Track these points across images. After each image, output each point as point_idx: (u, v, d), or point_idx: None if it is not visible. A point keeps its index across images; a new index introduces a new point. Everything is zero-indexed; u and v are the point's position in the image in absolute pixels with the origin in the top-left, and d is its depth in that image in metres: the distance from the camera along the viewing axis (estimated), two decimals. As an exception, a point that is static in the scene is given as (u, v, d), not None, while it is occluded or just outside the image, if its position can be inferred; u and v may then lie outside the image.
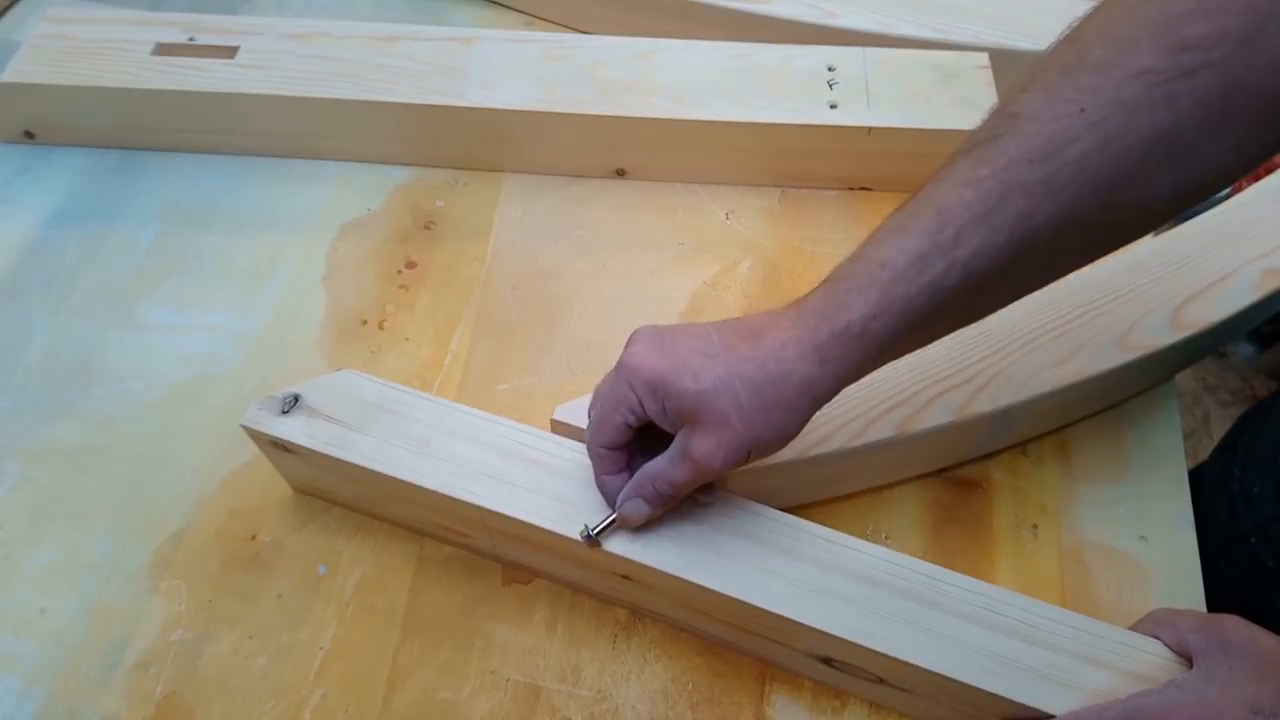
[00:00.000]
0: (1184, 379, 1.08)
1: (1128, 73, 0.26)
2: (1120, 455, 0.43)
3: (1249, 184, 0.47)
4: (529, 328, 0.47)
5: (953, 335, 0.34)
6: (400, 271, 0.50)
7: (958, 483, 0.42)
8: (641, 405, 0.31)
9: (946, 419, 0.38)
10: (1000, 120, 0.28)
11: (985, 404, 0.39)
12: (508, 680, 0.37)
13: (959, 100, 0.50)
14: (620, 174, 0.54)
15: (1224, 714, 0.29)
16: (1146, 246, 0.45)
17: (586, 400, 0.37)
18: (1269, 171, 0.48)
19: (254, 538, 0.40)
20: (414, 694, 0.37)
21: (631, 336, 0.32)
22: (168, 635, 0.38)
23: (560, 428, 0.38)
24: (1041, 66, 0.29)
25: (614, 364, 0.33)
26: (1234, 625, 0.32)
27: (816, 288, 0.30)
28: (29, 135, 0.55)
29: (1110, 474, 0.43)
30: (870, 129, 0.49)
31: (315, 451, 0.36)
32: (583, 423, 0.36)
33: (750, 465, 0.31)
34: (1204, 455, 0.51)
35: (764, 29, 0.56)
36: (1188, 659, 0.32)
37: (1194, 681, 0.30)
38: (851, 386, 0.31)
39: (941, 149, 0.55)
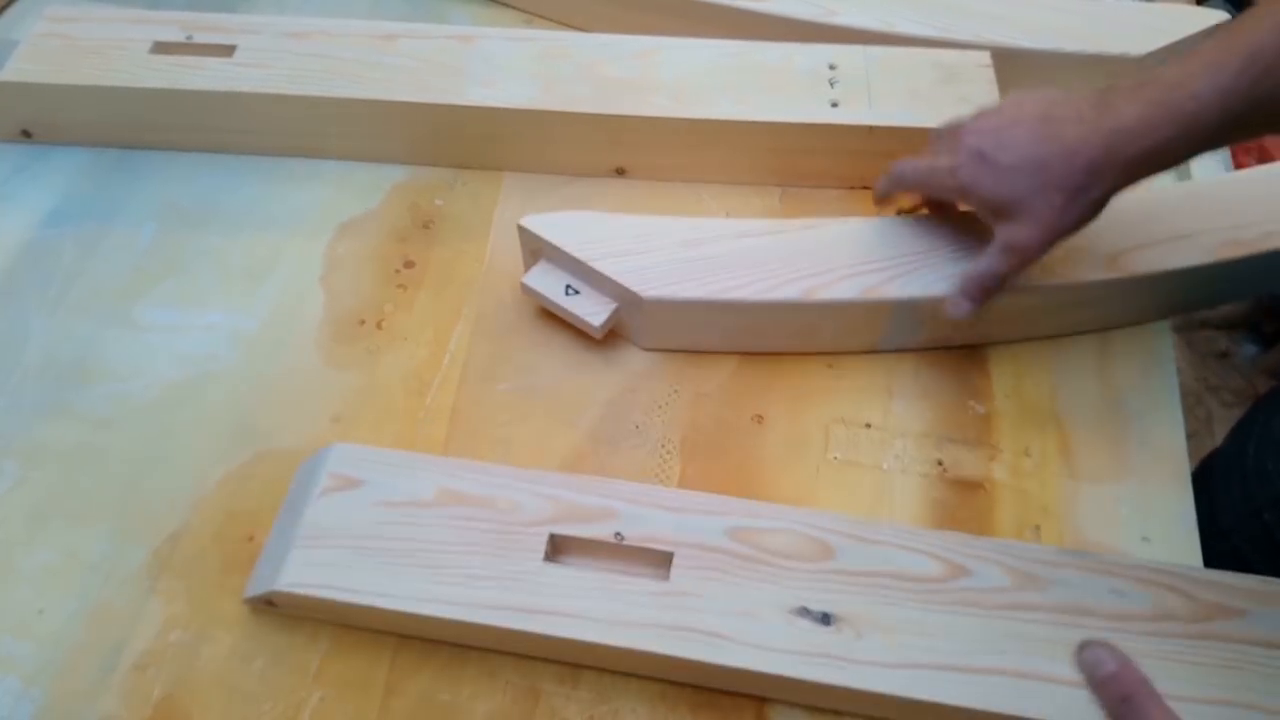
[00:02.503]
0: (1186, 379, 1.07)
1: None
2: (1122, 456, 0.43)
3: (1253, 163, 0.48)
4: (528, 327, 0.47)
5: (882, 231, 0.45)
6: (398, 271, 0.50)
7: (959, 483, 0.42)
8: (955, 193, 0.40)
9: (851, 295, 0.42)
10: None
11: (892, 291, 0.42)
12: (506, 683, 0.37)
13: (961, 99, 0.50)
14: (620, 173, 0.54)
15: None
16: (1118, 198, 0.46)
17: (548, 267, 0.44)
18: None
19: (252, 539, 0.40)
20: (412, 696, 0.36)
21: (969, 123, 0.39)
22: (166, 636, 0.38)
23: (527, 234, 0.43)
24: None
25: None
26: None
27: (1131, 94, 0.34)
28: (26, 134, 0.54)
29: (1112, 474, 0.43)
30: (872, 128, 0.49)
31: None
32: (550, 235, 0.44)
33: None
34: (1203, 458, 0.52)
35: (765, 27, 0.56)
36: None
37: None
38: (772, 254, 0.43)
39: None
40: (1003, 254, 0.38)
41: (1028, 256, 0.38)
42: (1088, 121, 0.35)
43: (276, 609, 0.37)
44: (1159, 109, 0.34)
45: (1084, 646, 0.33)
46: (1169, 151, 0.34)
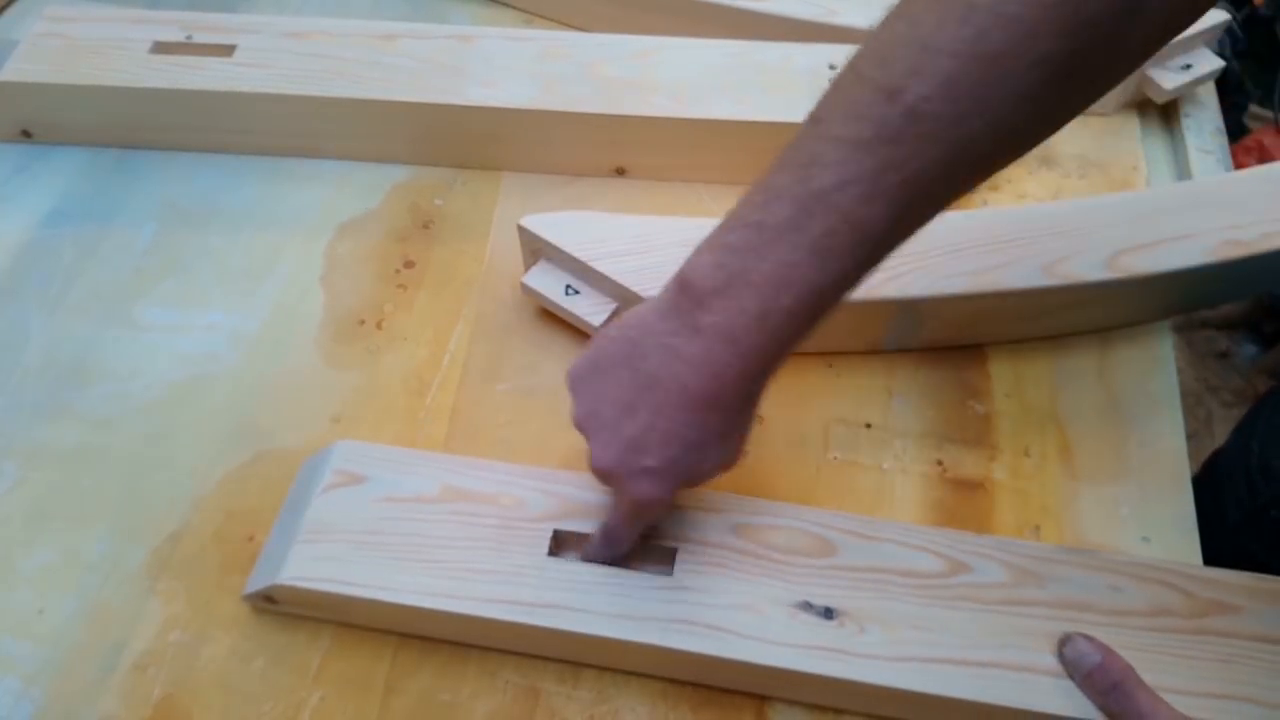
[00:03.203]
0: (1186, 380, 1.07)
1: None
2: (1122, 456, 0.43)
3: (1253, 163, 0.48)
4: (528, 327, 0.47)
5: None
6: (398, 271, 0.50)
7: (959, 483, 0.42)
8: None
9: (853, 296, 0.40)
10: (904, 121, 0.26)
11: (892, 290, 0.41)
12: (507, 682, 0.37)
13: (960, 99, 0.50)
14: (620, 173, 0.54)
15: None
16: (1114, 194, 0.47)
17: (548, 267, 0.44)
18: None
19: (252, 539, 0.40)
20: (412, 696, 0.36)
21: (595, 448, 0.31)
22: (165, 636, 0.38)
23: (527, 234, 0.43)
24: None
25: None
26: None
27: (733, 304, 0.28)
28: (26, 134, 0.54)
29: (1112, 475, 0.43)
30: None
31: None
32: (549, 234, 0.43)
33: None
34: (1207, 456, 0.52)
35: (764, 27, 0.56)
36: None
37: None
38: None
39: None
40: (623, 510, 0.33)
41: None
42: (703, 365, 0.29)
43: (276, 606, 0.37)
44: (782, 321, 0.28)
45: (1065, 641, 0.33)
46: (798, 343, 0.30)
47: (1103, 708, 0.32)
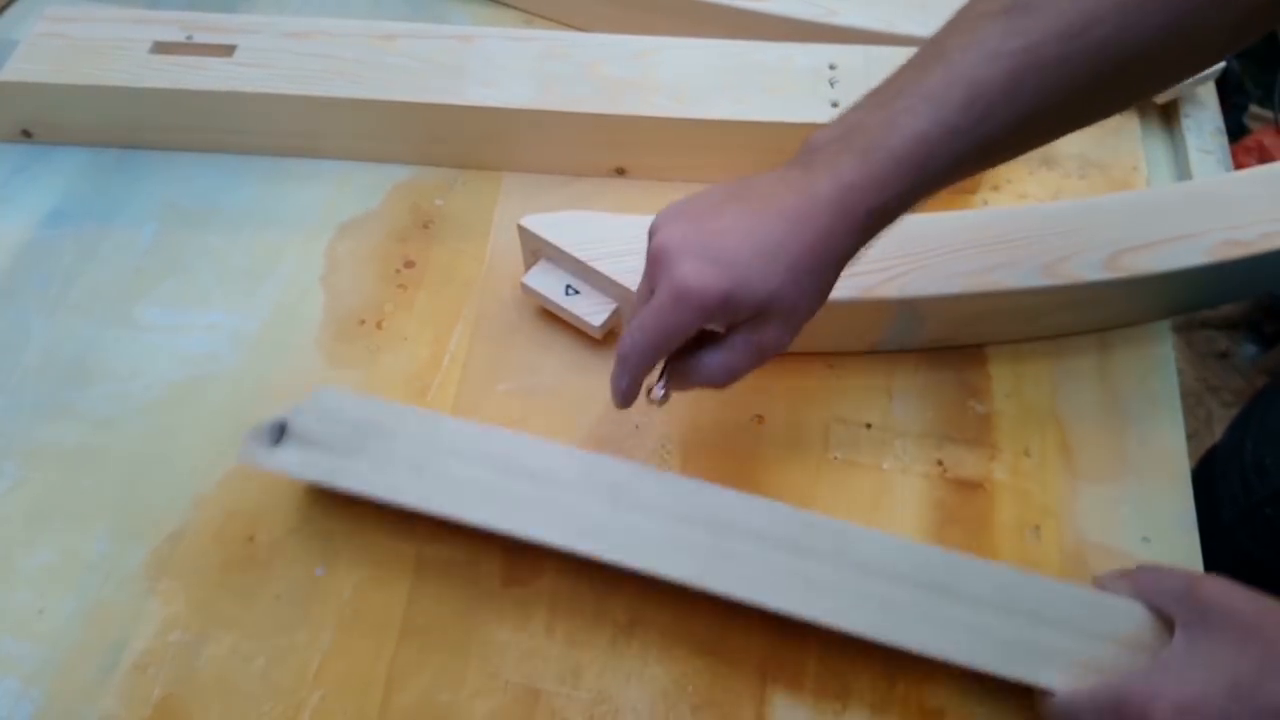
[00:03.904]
0: (1187, 380, 1.07)
1: None
2: (1123, 456, 0.43)
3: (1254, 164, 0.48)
4: (529, 327, 0.47)
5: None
6: (399, 271, 0.50)
7: (959, 483, 0.42)
8: (701, 325, 0.30)
9: (850, 295, 0.41)
10: None
11: (892, 290, 0.41)
12: (507, 682, 0.37)
13: (961, 99, 0.50)
14: (620, 173, 0.54)
15: (1205, 698, 0.29)
16: (1114, 195, 0.47)
17: (548, 267, 0.43)
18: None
19: (252, 539, 0.40)
20: (413, 696, 0.36)
21: (663, 236, 0.30)
22: (165, 636, 0.38)
23: (527, 234, 0.42)
24: None
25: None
26: (1214, 587, 0.32)
27: (841, 146, 0.30)
28: (26, 134, 0.54)
29: (1113, 474, 0.43)
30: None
31: (314, 482, 0.36)
32: (550, 234, 0.42)
33: None
34: (1202, 454, 0.52)
35: (765, 27, 0.56)
36: (1170, 623, 0.33)
37: (1176, 658, 0.31)
38: None
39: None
40: (748, 354, 0.31)
41: (773, 355, 0.32)
42: (803, 190, 0.29)
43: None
44: (884, 158, 0.29)
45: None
46: (902, 203, 0.30)
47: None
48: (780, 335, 0.31)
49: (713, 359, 0.32)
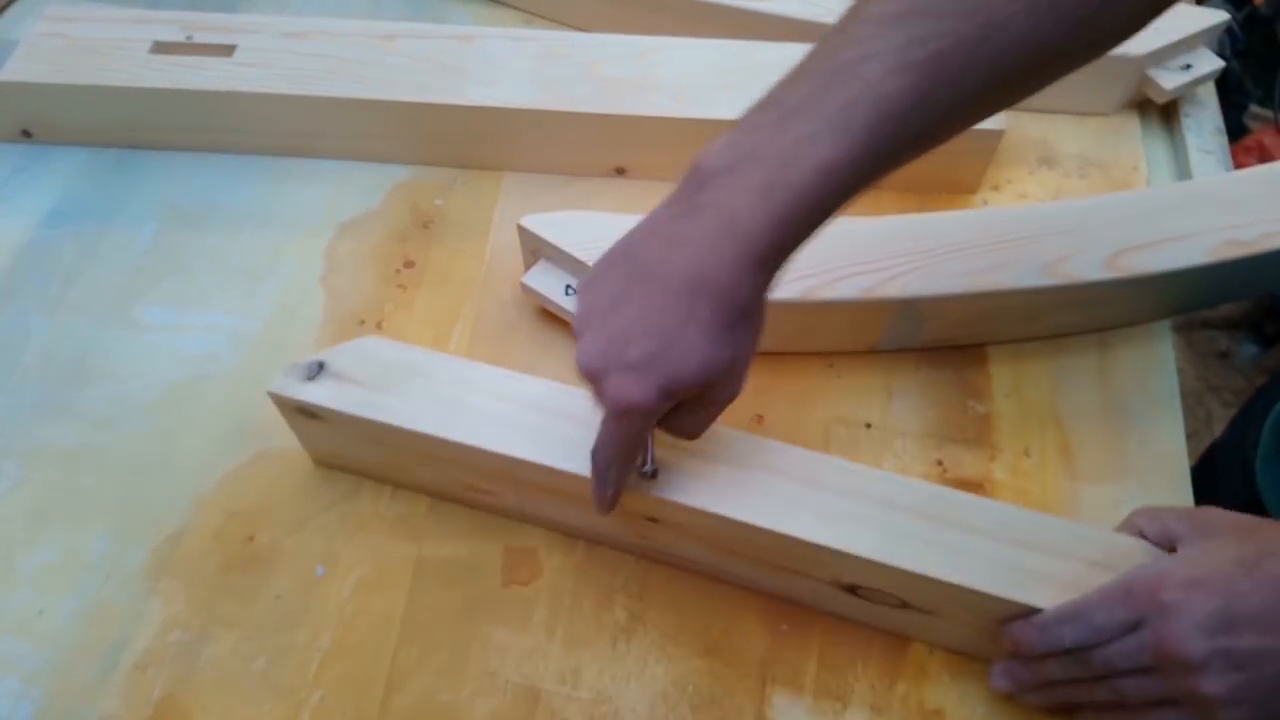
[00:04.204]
0: (1187, 380, 1.07)
1: None
2: (1123, 456, 0.43)
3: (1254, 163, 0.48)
4: (528, 327, 0.47)
5: (882, 231, 0.42)
6: (399, 271, 0.50)
7: (959, 483, 0.42)
8: (654, 422, 0.30)
9: (851, 295, 0.41)
10: None
11: (893, 290, 0.41)
12: (507, 682, 0.37)
13: (961, 98, 0.50)
14: (620, 172, 0.54)
15: (1212, 571, 0.30)
16: (1114, 194, 0.47)
17: (548, 267, 0.44)
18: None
19: (252, 539, 0.40)
20: (413, 696, 0.36)
21: (582, 357, 0.29)
22: (165, 636, 0.38)
23: (527, 234, 0.43)
24: None
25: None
26: (1214, 511, 0.33)
27: (736, 182, 0.27)
28: (26, 134, 0.54)
29: (1112, 474, 0.43)
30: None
31: (343, 414, 0.36)
32: (549, 234, 0.43)
33: None
34: (1203, 450, 0.52)
35: (765, 27, 0.56)
36: (1173, 548, 0.33)
37: (1181, 554, 0.32)
38: None
39: (944, 147, 0.54)
40: (711, 412, 0.31)
41: (735, 398, 0.31)
42: (699, 245, 0.27)
43: (319, 419, 0.37)
44: (786, 197, 0.26)
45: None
46: (807, 233, 0.28)
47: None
48: (731, 387, 0.30)
49: (681, 422, 0.31)
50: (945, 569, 0.33)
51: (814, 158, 0.26)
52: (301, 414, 0.38)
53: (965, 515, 0.35)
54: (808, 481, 0.35)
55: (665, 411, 0.30)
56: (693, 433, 0.33)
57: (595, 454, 0.32)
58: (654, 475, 0.34)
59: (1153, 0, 0.28)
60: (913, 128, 0.27)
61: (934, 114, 0.27)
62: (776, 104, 0.27)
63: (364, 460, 0.41)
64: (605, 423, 0.31)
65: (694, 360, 0.28)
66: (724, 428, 0.37)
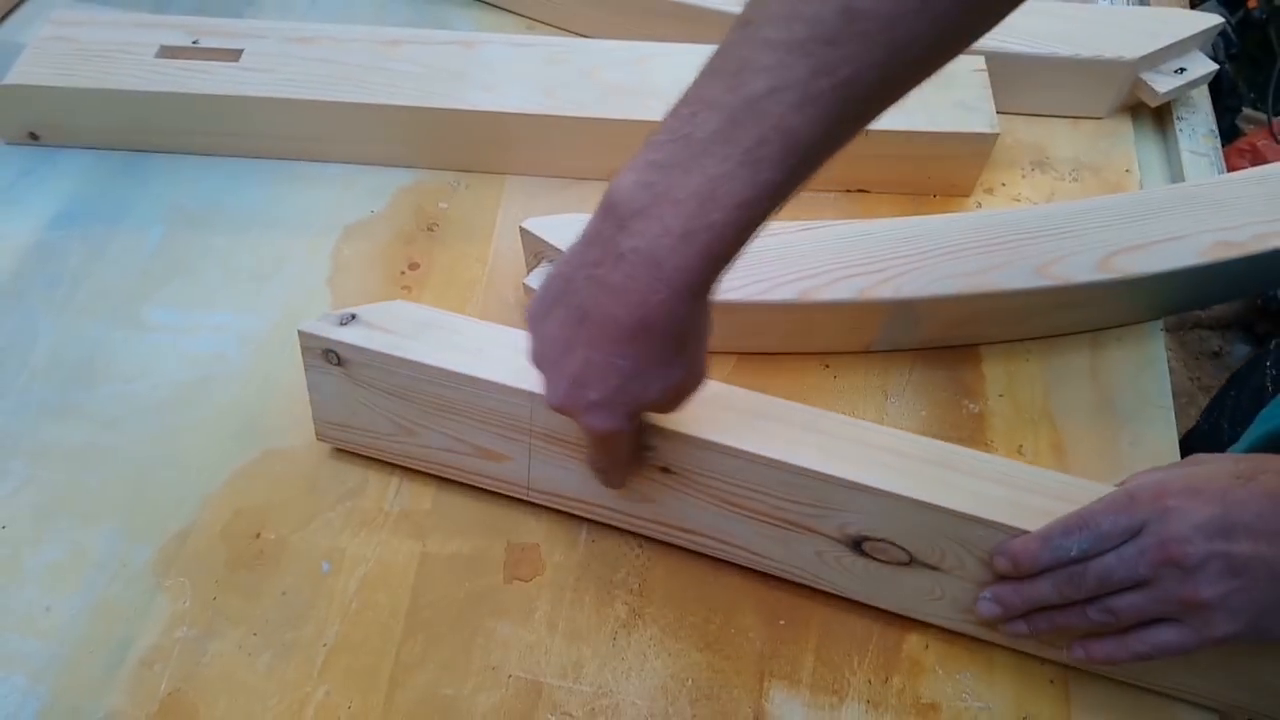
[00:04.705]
0: (1179, 379, 1.08)
1: None
2: (1115, 455, 0.44)
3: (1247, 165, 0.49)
4: (530, 328, 0.48)
5: (877, 234, 0.43)
6: (403, 273, 0.50)
7: (955, 481, 0.43)
8: (634, 438, 0.33)
9: (847, 296, 0.42)
10: (840, 19, 0.25)
11: (888, 292, 0.42)
12: (509, 676, 0.37)
13: (956, 103, 0.51)
14: (620, 176, 0.54)
15: (1210, 479, 0.31)
16: (1107, 196, 0.48)
17: (549, 268, 0.41)
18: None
19: (258, 536, 0.41)
20: (416, 690, 0.37)
21: (552, 400, 0.31)
22: (172, 633, 0.38)
23: (529, 236, 0.43)
24: None
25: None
26: (1205, 455, 0.35)
27: (655, 224, 0.27)
28: (33, 137, 0.55)
29: (1105, 473, 0.43)
30: (867, 131, 0.49)
31: (370, 352, 0.37)
32: (551, 237, 0.43)
33: None
34: (1179, 438, 0.52)
35: (763, 32, 0.56)
36: None
37: (1180, 467, 0.34)
38: (768, 255, 0.41)
39: (939, 151, 0.55)
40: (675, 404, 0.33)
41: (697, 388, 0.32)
42: (629, 290, 0.27)
43: (342, 367, 0.38)
44: (708, 238, 0.27)
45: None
46: (731, 259, 0.28)
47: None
48: (694, 384, 0.32)
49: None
50: (955, 501, 0.34)
51: (730, 197, 0.26)
52: (326, 360, 0.39)
53: (970, 463, 0.36)
54: (816, 429, 0.36)
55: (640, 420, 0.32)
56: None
57: (592, 464, 0.35)
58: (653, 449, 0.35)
59: None
60: (822, 155, 0.28)
61: (841, 138, 0.28)
62: (686, 139, 0.27)
63: (375, 425, 0.41)
64: (590, 448, 0.34)
65: (654, 388, 0.30)
66: (734, 387, 0.38)
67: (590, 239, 0.29)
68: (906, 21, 0.25)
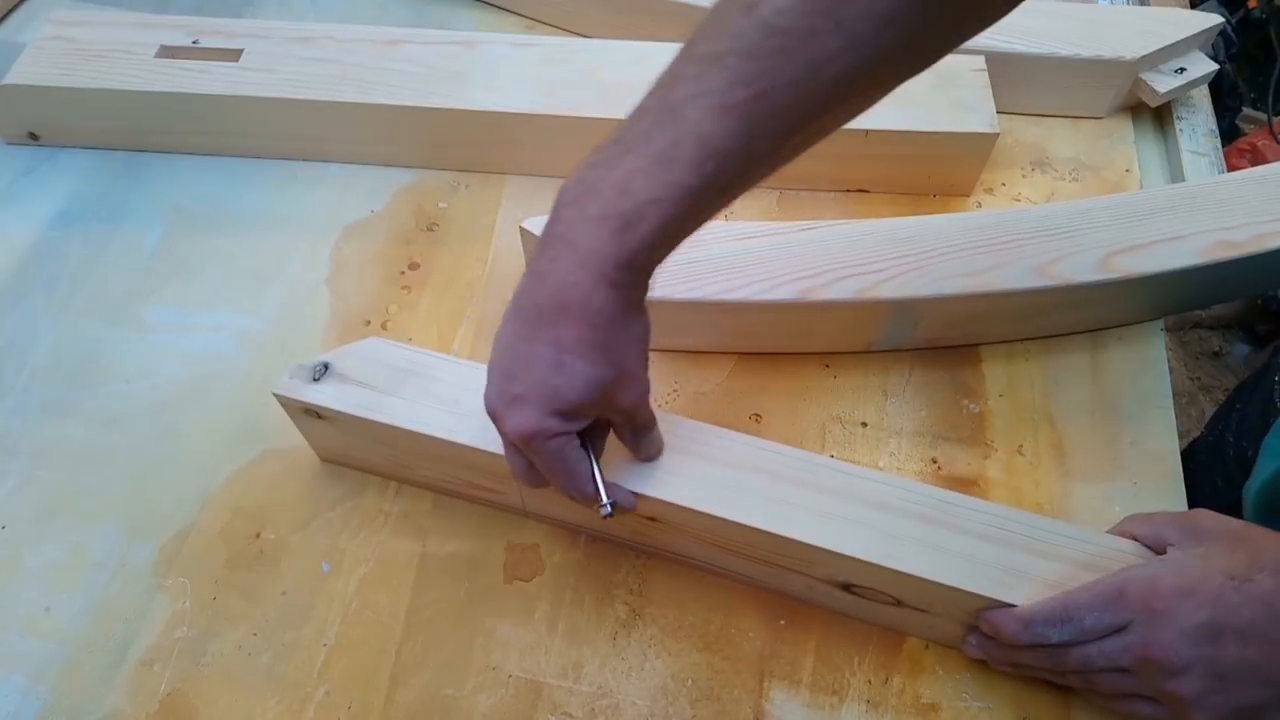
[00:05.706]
0: (1179, 379, 1.08)
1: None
2: (1116, 455, 0.44)
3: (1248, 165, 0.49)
4: (530, 328, 0.48)
5: (877, 234, 0.43)
6: (403, 273, 0.50)
7: (953, 481, 0.43)
8: (577, 438, 0.31)
9: (847, 296, 0.42)
10: (759, 34, 0.26)
11: (888, 292, 0.42)
12: (509, 677, 0.37)
13: (956, 103, 0.51)
14: (620, 176, 0.54)
15: (1204, 580, 0.31)
16: (1107, 196, 0.47)
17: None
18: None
19: (258, 536, 0.41)
20: (416, 690, 0.37)
21: (497, 416, 0.30)
22: (172, 633, 0.38)
23: (529, 236, 0.42)
24: None
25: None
26: (1205, 514, 0.34)
27: (579, 215, 0.28)
28: (33, 137, 0.55)
29: (1105, 473, 0.43)
30: (868, 132, 0.50)
31: (348, 415, 0.37)
32: None
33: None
34: (1184, 448, 0.53)
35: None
36: (1164, 550, 0.34)
37: (1173, 558, 0.33)
38: (769, 255, 0.40)
39: (938, 151, 0.55)
40: (628, 424, 0.34)
41: (646, 397, 0.33)
42: (561, 278, 0.28)
43: (321, 419, 0.38)
44: (618, 226, 0.28)
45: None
46: (659, 250, 0.29)
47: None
48: (630, 394, 0.31)
49: (621, 437, 0.34)
50: (937, 570, 0.34)
51: (644, 191, 0.28)
52: (307, 414, 0.39)
53: (958, 517, 0.35)
54: (804, 483, 0.36)
55: (576, 433, 0.31)
56: (635, 446, 0.35)
57: (516, 471, 0.33)
58: (611, 513, 0.33)
59: (976, 5, 0.29)
60: (741, 163, 0.28)
61: (763, 148, 0.28)
62: (618, 140, 0.29)
63: (369, 459, 0.41)
64: (507, 452, 0.33)
65: (577, 381, 0.29)
66: (722, 429, 0.37)
67: (543, 245, 0.30)
68: (820, 39, 0.26)
